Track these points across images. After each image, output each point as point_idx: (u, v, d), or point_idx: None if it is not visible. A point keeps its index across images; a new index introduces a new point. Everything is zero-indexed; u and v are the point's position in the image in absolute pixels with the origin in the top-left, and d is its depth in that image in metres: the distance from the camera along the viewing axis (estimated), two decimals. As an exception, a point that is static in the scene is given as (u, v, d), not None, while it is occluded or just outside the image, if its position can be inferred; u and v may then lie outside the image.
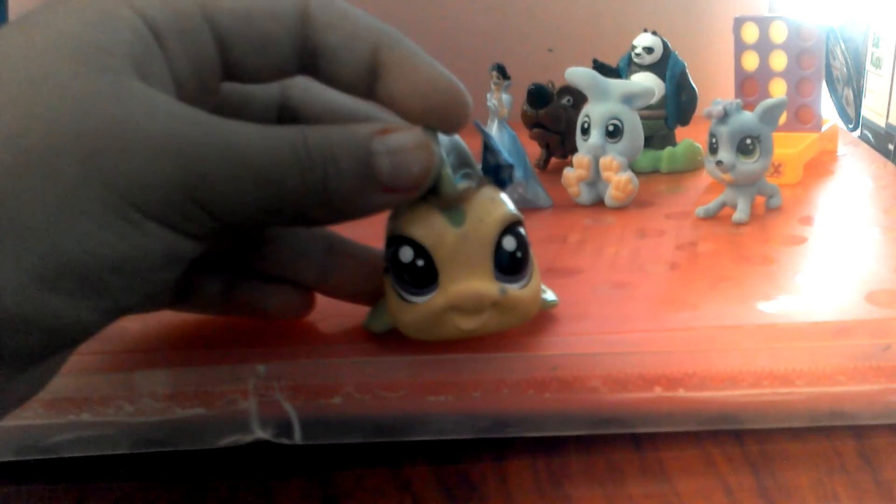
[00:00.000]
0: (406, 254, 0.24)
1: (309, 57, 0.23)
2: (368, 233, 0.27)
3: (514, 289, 0.25)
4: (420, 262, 0.24)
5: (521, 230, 0.25)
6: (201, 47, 0.22)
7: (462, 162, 0.26)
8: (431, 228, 0.24)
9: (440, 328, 0.24)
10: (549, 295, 0.28)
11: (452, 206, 0.24)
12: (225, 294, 0.27)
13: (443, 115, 0.23)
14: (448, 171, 0.24)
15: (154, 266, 0.20)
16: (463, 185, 0.25)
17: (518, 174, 0.42)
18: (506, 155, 0.31)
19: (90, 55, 0.19)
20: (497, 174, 0.26)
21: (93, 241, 0.19)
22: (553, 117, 0.49)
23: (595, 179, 0.42)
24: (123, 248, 0.19)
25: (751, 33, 0.51)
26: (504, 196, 0.25)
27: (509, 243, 0.24)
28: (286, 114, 0.26)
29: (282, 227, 0.27)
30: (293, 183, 0.21)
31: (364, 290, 0.27)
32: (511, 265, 0.25)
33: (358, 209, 0.22)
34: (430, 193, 0.24)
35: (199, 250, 0.21)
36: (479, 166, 0.26)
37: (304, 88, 0.26)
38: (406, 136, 0.22)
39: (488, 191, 0.25)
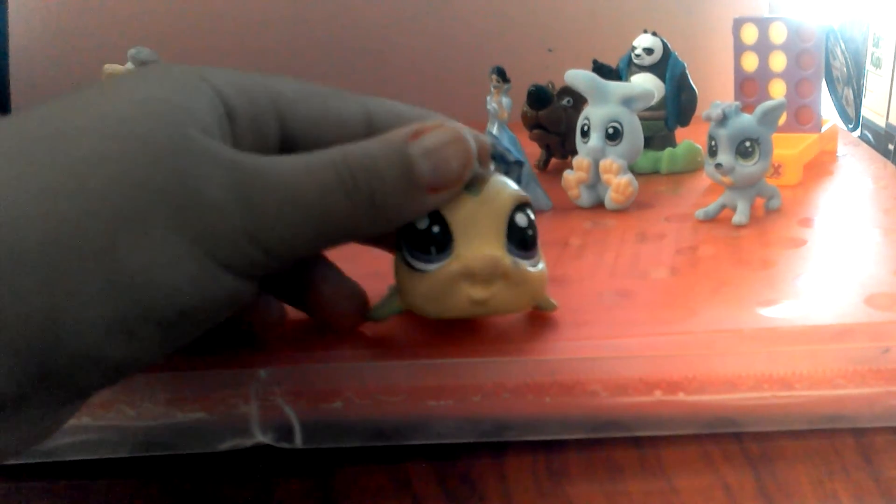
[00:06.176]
0: (421, 221, 0.24)
1: None
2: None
3: (524, 265, 0.25)
4: (435, 229, 0.24)
5: (531, 212, 0.26)
6: (266, 135, 0.23)
7: None
8: None
9: (450, 299, 0.25)
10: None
11: (474, 185, 0.25)
12: None
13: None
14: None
15: (218, 310, 0.21)
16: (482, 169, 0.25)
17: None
18: (514, 152, 0.32)
19: (167, 113, 0.20)
20: (506, 175, 0.26)
21: (177, 293, 0.19)
22: (553, 118, 0.49)
23: (595, 182, 0.42)
24: (199, 298, 0.20)
25: (750, 34, 0.51)
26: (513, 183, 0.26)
27: (521, 220, 0.25)
28: None
29: None
30: (341, 207, 0.21)
31: (345, 313, 0.27)
32: (522, 241, 0.25)
33: (406, 214, 0.23)
34: None
35: (255, 291, 0.22)
36: None
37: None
38: (439, 135, 0.23)
39: (500, 175, 0.26)
